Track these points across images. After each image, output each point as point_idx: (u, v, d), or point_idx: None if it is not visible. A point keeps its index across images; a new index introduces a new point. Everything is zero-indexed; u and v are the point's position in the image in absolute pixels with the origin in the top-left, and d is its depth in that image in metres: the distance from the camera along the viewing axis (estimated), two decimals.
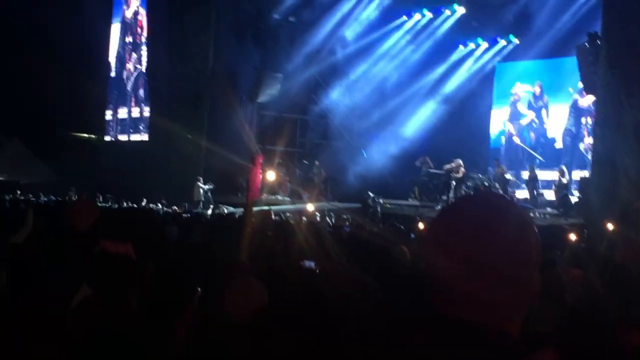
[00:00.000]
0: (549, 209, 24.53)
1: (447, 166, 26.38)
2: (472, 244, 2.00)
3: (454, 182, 26.11)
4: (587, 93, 24.35)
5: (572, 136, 27.95)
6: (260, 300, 4.31)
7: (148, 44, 30.12)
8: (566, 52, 26.09)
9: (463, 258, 1.99)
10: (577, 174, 26.24)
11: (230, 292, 4.30)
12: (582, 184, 23.80)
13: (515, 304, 2.05)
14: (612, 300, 7.97)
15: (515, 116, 30.17)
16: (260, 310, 4.23)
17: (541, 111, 29.22)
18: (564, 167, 25.67)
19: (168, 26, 27.34)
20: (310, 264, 5.97)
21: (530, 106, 29.64)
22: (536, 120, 29.29)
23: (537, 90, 29.26)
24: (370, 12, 30.93)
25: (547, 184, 26.48)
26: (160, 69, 27.76)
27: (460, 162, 26.57)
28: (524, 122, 29.74)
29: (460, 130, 29.31)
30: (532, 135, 29.41)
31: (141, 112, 30.85)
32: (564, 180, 24.96)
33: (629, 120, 20.05)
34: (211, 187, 25.59)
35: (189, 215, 17.16)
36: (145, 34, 30.74)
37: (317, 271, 5.57)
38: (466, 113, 30.12)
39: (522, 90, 30.16)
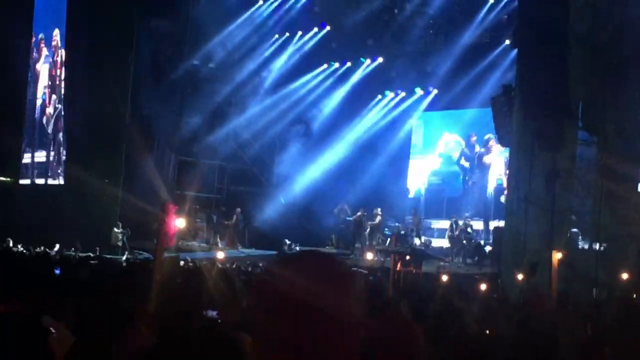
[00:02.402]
0: (461, 258, 24.82)
1: (357, 214, 26.75)
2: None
3: (368, 229, 26.37)
4: (501, 144, 24.76)
5: (498, 187, 28.27)
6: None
7: (66, 87, 29.70)
8: (483, 103, 26.64)
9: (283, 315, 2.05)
10: (493, 224, 26.62)
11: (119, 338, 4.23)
12: (496, 233, 24.14)
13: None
14: (520, 347, 8.06)
15: (445, 165, 30.47)
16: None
17: (474, 161, 29.49)
18: (456, 218, 26.32)
19: (87, 68, 27.06)
20: (212, 313, 5.93)
21: (464, 156, 29.88)
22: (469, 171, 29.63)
23: (473, 139, 29.38)
24: (290, 59, 31.17)
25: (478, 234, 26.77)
26: (78, 112, 27.43)
27: (379, 210, 26.92)
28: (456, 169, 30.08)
29: (379, 178, 29.59)
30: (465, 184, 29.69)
31: (58, 156, 30.35)
32: (456, 232, 25.60)
33: (541, 171, 20.43)
34: (127, 232, 25.30)
35: (97, 261, 16.88)
36: (63, 75, 30.33)
37: (219, 320, 5.54)
38: (385, 161, 30.41)
39: (452, 140, 30.49)
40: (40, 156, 31.81)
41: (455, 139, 30.08)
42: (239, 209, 28.14)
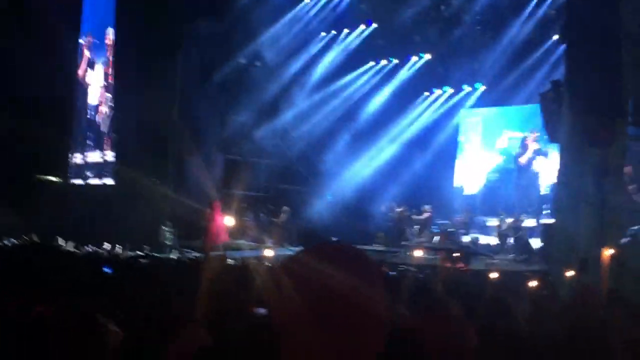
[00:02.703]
0: (511, 256, 24.64)
1: (397, 211, 26.88)
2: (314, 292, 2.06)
3: (414, 226, 26.39)
4: (551, 141, 24.56)
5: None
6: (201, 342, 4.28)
7: (116, 88, 29.98)
8: (531, 99, 26.45)
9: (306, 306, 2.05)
10: (543, 221, 26.37)
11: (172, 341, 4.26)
12: (545, 230, 23.94)
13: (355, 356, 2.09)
14: (571, 346, 7.99)
15: (505, 162, 30.24)
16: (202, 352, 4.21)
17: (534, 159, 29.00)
18: (504, 214, 26.12)
19: (135, 69, 27.29)
20: (262, 311, 5.94)
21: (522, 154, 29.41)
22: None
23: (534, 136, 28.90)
24: (337, 57, 31.24)
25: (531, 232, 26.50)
26: (127, 113, 27.66)
27: (427, 207, 26.96)
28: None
29: (427, 175, 29.60)
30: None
31: (110, 156, 30.60)
32: (504, 227, 25.40)
33: (590, 169, 20.26)
34: (176, 231, 25.51)
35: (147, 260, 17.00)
36: (112, 80, 30.61)
37: (270, 319, 5.55)
38: (434, 158, 30.38)
39: (513, 136, 30.11)
40: (94, 156, 32.14)
41: (517, 136, 29.61)
42: (287, 207, 28.25)
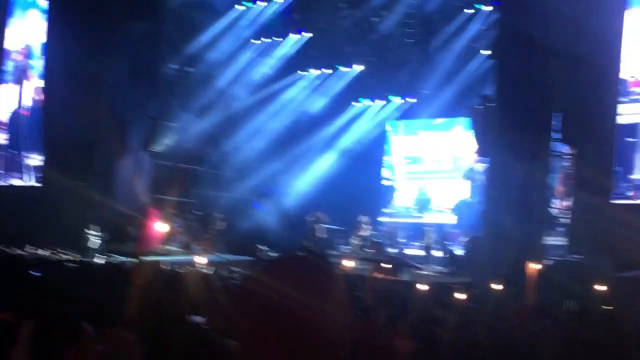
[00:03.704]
0: (438, 267, 24.90)
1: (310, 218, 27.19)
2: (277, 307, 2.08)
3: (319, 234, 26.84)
4: (479, 154, 24.89)
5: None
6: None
7: (44, 91, 29.45)
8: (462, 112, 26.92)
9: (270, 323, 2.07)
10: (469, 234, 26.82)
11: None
12: (472, 243, 24.23)
13: None
14: (498, 357, 8.12)
15: None
16: None
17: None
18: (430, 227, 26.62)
19: (64, 72, 26.92)
20: (198, 318, 5.93)
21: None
22: None
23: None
24: (270, 65, 31.26)
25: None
26: (56, 116, 27.25)
27: (363, 218, 27.32)
28: None
29: (355, 186, 29.73)
30: None
31: (37, 159, 30.05)
32: (431, 242, 25.89)
33: (516, 183, 20.59)
34: (104, 236, 25.18)
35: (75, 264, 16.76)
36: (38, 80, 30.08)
37: (206, 327, 5.54)
38: (362, 169, 30.53)
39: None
40: (15, 157, 31.51)
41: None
42: (222, 214, 28.18)
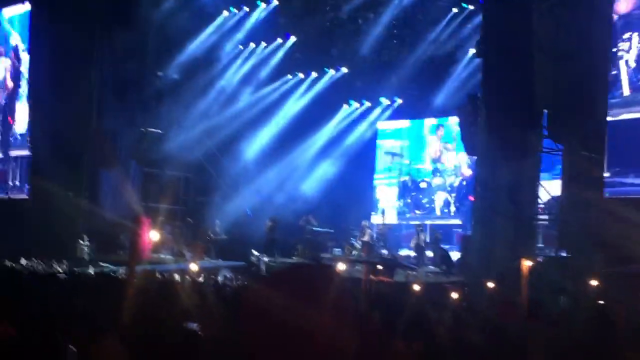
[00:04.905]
0: (431, 267, 24.93)
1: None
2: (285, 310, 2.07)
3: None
4: (468, 153, 24.92)
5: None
6: None
7: (30, 101, 29.34)
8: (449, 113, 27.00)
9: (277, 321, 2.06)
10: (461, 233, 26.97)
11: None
12: (463, 242, 24.27)
13: None
14: (492, 357, 8.12)
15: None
16: None
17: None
18: (421, 226, 26.71)
19: (50, 82, 26.84)
20: (192, 325, 5.91)
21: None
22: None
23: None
24: (255, 69, 31.19)
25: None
26: (42, 126, 27.17)
27: (366, 222, 27.39)
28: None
29: (346, 189, 29.78)
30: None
31: (24, 169, 29.89)
32: (422, 238, 25.86)
33: (505, 181, 20.61)
34: (92, 245, 25.12)
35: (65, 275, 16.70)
36: (26, 90, 29.97)
37: (200, 334, 5.52)
38: (352, 172, 30.55)
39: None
40: (6, 169, 31.36)
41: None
42: (213, 221, 28.15)
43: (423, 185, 30.32)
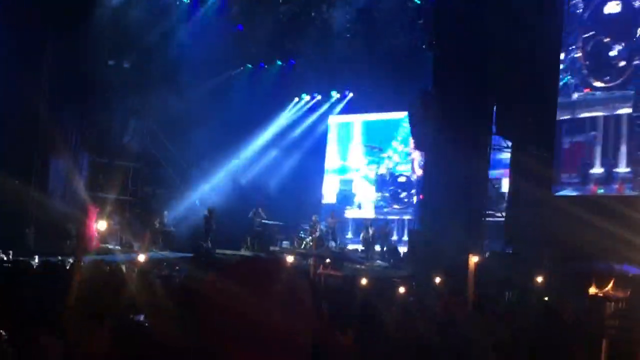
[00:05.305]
0: (379, 262, 25.04)
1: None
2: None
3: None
4: (417, 149, 25.05)
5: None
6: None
7: None
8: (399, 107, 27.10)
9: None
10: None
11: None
12: (411, 237, 24.41)
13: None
14: (440, 350, 8.18)
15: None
16: None
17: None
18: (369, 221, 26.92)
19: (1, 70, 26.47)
20: (139, 317, 5.86)
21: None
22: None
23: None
24: (205, 59, 30.93)
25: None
26: None
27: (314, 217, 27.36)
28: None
29: (295, 182, 29.80)
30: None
31: None
32: (370, 232, 26.02)
33: (457, 176, 20.74)
34: (34, 234, 24.82)
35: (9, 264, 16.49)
36: None
37: (147, 325, 5.48)
38: (301, 165, 30.59)
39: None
40: None
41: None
42: (166, 212, 27.99)
43: (402, 179, 30.32)
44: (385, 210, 30.36)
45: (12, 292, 8.70)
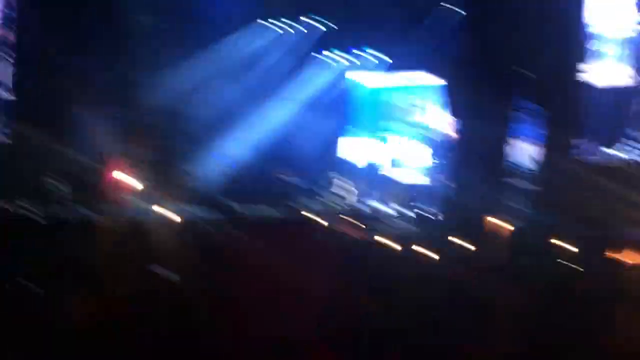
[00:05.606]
0: (409, 226, 25.02)
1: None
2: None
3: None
4: (452, 115, 25.00)
5: None
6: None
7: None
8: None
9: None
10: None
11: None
12: (442, 202, 24.51)
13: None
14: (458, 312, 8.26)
15: None
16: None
17: None
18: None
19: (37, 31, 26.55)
20: (165, 271, 5.98)
21: None
22: None
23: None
24: (229, 18, 30.67)
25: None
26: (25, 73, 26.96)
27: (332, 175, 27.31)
28: None
29: (316, 141, 29.77)
30: None
31: None
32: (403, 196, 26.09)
33: (489, 143, 20.81)
34: (65, 187, 24.97)
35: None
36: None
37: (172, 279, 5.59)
38: (324, 123, 30.50)
39: None
40: None
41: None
42: (190, 168, 28.00)
43: (434, 144, 29.71)
44: (419, 174, 29.98)
45: (45, 248, 8.84)
